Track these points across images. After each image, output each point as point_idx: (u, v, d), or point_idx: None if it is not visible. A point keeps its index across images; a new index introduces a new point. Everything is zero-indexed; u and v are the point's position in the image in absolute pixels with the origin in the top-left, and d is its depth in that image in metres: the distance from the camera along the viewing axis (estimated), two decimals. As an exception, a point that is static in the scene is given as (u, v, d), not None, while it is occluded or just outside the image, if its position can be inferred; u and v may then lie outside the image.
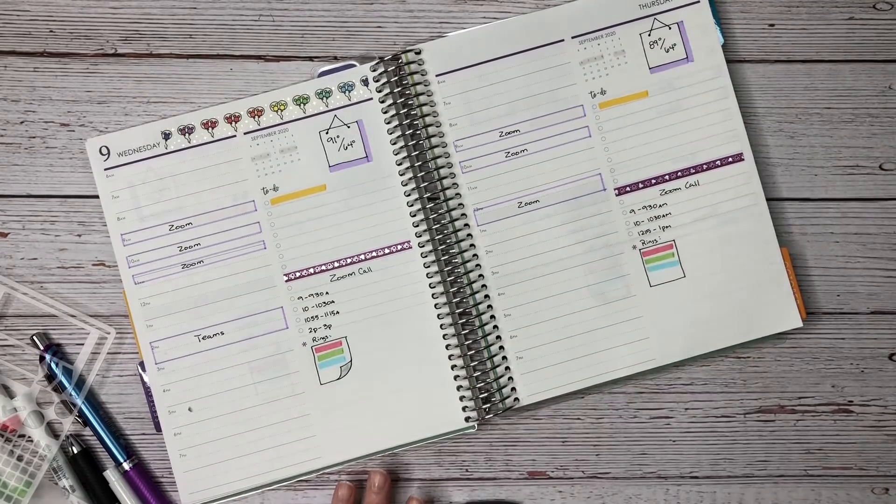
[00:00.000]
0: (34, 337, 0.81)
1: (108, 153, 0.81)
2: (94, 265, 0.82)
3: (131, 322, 0.81)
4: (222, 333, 0.81)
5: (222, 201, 0.81)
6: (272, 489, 0.81)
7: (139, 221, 0.81)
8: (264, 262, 0.81)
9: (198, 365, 0.81)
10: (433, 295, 0.81)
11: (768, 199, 0.82)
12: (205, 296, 0.81)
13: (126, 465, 0.81)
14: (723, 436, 0.83)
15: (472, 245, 0.81)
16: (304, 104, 0.82)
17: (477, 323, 0.80)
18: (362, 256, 0.81)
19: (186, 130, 0.82)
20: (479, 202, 0.81)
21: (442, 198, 0.81)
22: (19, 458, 0.80)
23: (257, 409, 0.81)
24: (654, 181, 0.82)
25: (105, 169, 0.81)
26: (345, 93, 0.82)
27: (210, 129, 0.82)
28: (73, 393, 0.81)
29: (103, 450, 0.82)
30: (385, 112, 0.81)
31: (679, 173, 0.82)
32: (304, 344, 0.81)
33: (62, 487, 0.81)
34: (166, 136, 0.81)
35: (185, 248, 0.81)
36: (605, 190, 0.82)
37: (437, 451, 0.83)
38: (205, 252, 0.81)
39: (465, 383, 0.80)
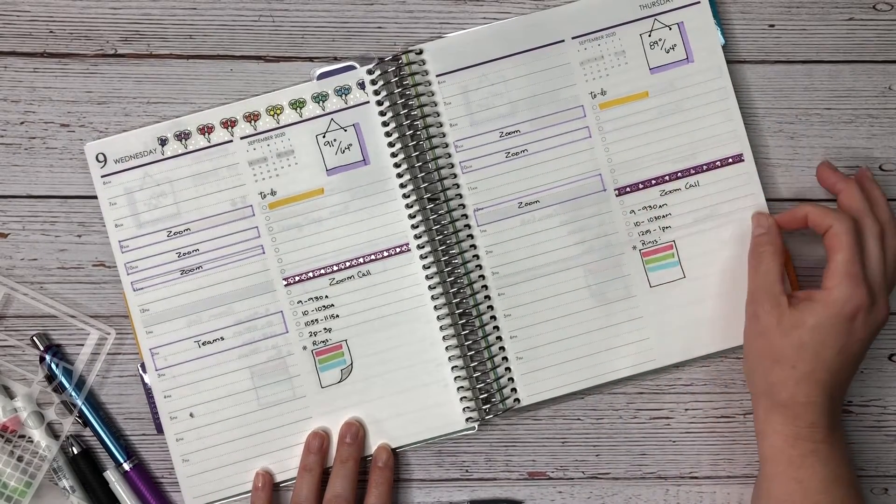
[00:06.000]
0: (34, 337, 0.82)
1: (105, 160, 0.81)
2: (94, 266, 0.82)
3: (132, 324, 0.81)
4: (222, 339, 0.81)
5: (220, 206, 0.81)
6: (275, 490, 0.81)
7: (137, 228, 0.81)
8: (263, 266, 0.81)
9: (198, 370, 0.81)
10: (433, 296, 0.81)
11: (768, 200, 0.82)
12: (204, 301, 0.81)
13: (126, 466, 0.81)
14: (723, 436, 0.83)
15: (472, 245, 0.81)
16: (301, 108, 0.82)
17: (477, 323, 0.80)
18: (361, 260, 0.81)
19: (183, 136, 0.81)
20: (479, 202, 0.81)
21: (442, 198, 0.80)
22: (19, 459, 0.80)
23: (259, 413, 0.81)
24: (654, 182, 0.82)
25: (102, 176, 0.81)
26: (341, 96, 0.82)
27: (206, 134, 0.81)
28: (73, 393, 0.81)
29: (103, 450, 0.82)
30: (384, 114, 0.81)
31: (679, 174, 0.82)
32: (305, 348, 0.81)
33: (62, 488, 0.81)
34: (163, 141, 0.81)
35: (184, 254, 0.81)
36: (605, 190, 0.82)
37: (437, 451, 0.83)
38: (203, 257, 0.81)
39: (466, 384, 0.81)
